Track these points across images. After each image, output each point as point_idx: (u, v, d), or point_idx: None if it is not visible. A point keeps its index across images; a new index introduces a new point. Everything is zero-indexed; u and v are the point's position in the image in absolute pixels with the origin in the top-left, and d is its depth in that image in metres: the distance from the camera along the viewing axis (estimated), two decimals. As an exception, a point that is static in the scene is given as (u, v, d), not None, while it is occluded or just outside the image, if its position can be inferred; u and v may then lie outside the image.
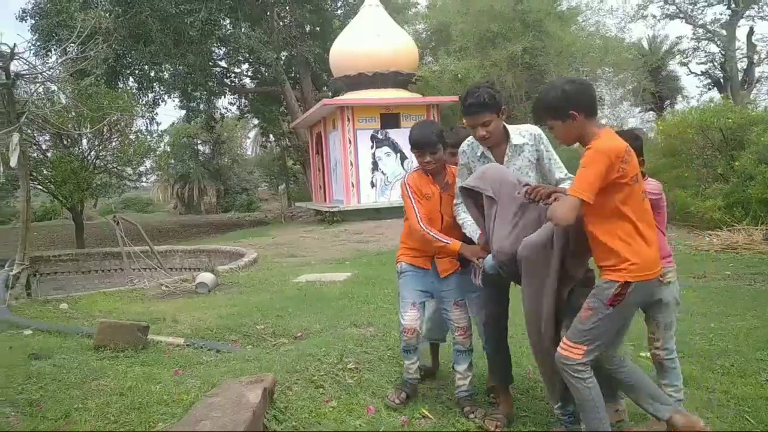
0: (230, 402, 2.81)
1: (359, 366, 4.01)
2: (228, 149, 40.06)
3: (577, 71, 18.79)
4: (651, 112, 29.43)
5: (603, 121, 20.64)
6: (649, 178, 3.09)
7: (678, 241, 9.96)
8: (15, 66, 7.25)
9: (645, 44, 29.21)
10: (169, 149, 30.87)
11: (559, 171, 3.14)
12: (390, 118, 17.25)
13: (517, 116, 18.29)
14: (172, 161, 34.65)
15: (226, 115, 29.38)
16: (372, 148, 17.07)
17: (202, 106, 25.48)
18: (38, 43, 18.80)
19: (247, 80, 27.64)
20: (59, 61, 10.79)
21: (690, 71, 31.06)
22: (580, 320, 2.60)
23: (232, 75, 26.53)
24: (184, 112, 25.57)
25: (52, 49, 18.20)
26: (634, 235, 2.54)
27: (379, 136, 17.08)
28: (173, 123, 34.09)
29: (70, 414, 3.08)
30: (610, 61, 18.18)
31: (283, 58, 24.35)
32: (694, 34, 28.75)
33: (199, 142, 38.43)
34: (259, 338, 5.24)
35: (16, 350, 4.58)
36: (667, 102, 30.77)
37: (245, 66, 26.44)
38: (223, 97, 26.54)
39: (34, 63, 8.60)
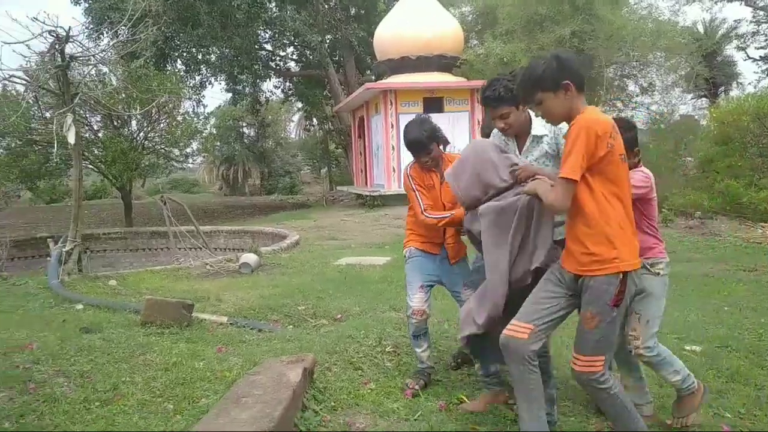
0: (271, 380, 2.87)
1: (397, 349, 4.04)
2: (272, 132, 40.46)
3: (627, 55, 18.21)
4: (704, 99, 28.46)
5: (653, 107, 20.04)
6: (642, 167, 3.00)
7: (729, 233, 9.65)
8: (69, 48, 7.42)
9: (700, 28, 28.18)
10: (215, 131, 31.39)
11: None
12: (433, 102, 17.12)
13: (563, 101, 17.92)
14: (218, 143, 35.21)
15: (270, 98, 29.65)
16: (414, 132, 16.95)
17: (247, 89, 25.76)
18: (91, 26, 19.23)
19: (292, 64, 27.80)
20: (111, 43, 11.03)
21: (747, 56, 29.87)
22: (589, 331, 2.41)
23: (277, 58, 26.70)
24: (230, 95, 25.90)
25: (104, 32, 18.61)
26: (624, 218, 2.39)
27: (422, 120, 16.93)
28: (219, 106, 34.57)
29: (119, 386, 3.20)
30: (662, 45, 17.52)
31: (327, 41, 24.38)
32: (754, 16, 27.59)
33: (244, 124, 38.89)
34: (300, 319, 5.32)
35: (69, 323, 4.76)
36: (722, 88, 29.70)
37: (290, 49, 26.58)
38: (268, 80, 26.77)
39: (87, 46, 8.80)
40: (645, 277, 2.85)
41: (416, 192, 3.43)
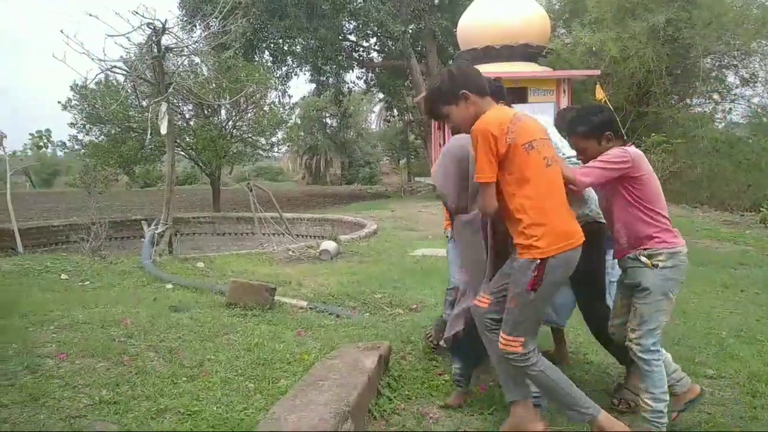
0: (347, 365, 2.92)
1: (473, 342, 4.00)
2: (354, 123, 40.95)
3: (728, 44, 17.14)
4: (814, 90, 26.33)
5: (755, 100, 18.79)
6: (628, 147, 2.82)
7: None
8: (165, 40, 7.77)
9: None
10: (299, 121, 32.09)
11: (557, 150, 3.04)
12: (517, 92, 16.73)
13: (655, 93, 17.09)
14: (302, 133, 36.02)
15: (353, 89, 29.97)
16: (496, 123, 16.68)
17: (331, 79, 26.12)
18: (185, 19, 20.12)
19: (375, 54, 27.95)
20: (203, 35, 11.50)
21: None
22: (510, 311, 2.55)
23: (361, 49, 26.92)
24: (314, 85, 26.37)
25: (197, 24, 19.39)
26: (542, 204, 2.47)
27: (505, 111, 16.62)
28: (304, 96, 35.31)
29: (204, 363, 3.34)
30: (768, 32, 16.38)
31: (410, 31, 24.34)
32: None
33: (327, 115, 39.55)
34: (377, 307, 5.38)
35: (160, 302, 5.02)
36: (836, 79, 27.38)
37: (373, 40, 26.72)
38: (351, 71, 27.05)
39: (181, 37, 9.21)
40: (639, 271, 2.74)
41: None
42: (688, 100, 19.74)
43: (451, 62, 25.99)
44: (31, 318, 4.01)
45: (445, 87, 2.63)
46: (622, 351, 2.94)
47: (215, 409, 2.73)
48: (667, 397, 2.76)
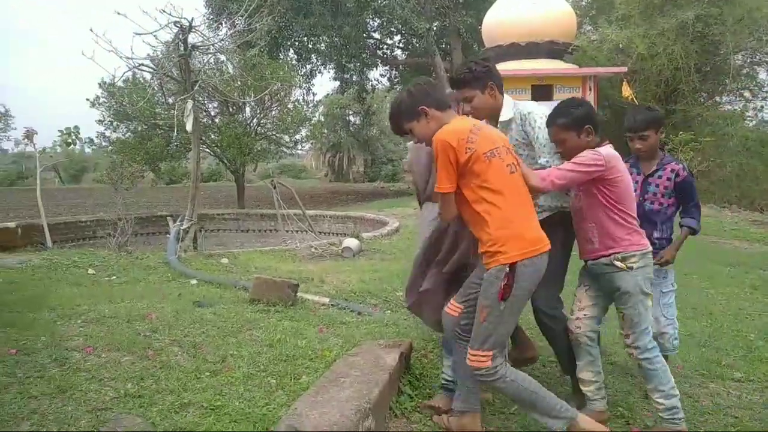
0: (369, 363, 2.93)
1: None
2: (377, 120, 40.92)
3: (760, 41, 16.80)
4: None
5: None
6: (603, 146, 2.80)
7: None
8: (191, 38, 7.82)
9: None
10: (322, 119, 32.18)
11: (542, 156, 2.98)
12: (542, 89, 16.61)
13: (683, 90, 16.82)
14: (325, 131, 36.08)
15: (376, 86, 29.96)
16: (521, 121, 16.56)
17: (354, 77, 26.16)
18: (211, 17, 20.31)
19: (399, 52, 27.91)
20: (228, 33, 11.59)
21: None
22: (480, 324, 2.52)
23: (385, 46, 26.91)
24: (337, 83, 26.42)
25: (223, 22, 19.57)
26: (508, 211, 2.49)
27: (529, 109, 16.48)
28: (327, 94, 35.42)
29: (227, 359, 3.37)
30: (803, 28, 16.00)
31: (434, 28, 24.25)
32: None
33: (350, 113, 39.60)
34: (398, 304, 5.37)
35: (184, 297, 5.06)
36: None
37: (397, 37, 26.69)
38: (375, 68, 27.06)
39: (207, 35, 9.27)
40: (616, 276, 2.76)
41: None
42: (717, 98, 19.40)
43: (475, 60, 25.82)
44: (59, 312, 4.08)
45: (405, 105, 2.71)
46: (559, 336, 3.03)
47: (237, 404, 2.75)
48: (677, 392, 2.79)
